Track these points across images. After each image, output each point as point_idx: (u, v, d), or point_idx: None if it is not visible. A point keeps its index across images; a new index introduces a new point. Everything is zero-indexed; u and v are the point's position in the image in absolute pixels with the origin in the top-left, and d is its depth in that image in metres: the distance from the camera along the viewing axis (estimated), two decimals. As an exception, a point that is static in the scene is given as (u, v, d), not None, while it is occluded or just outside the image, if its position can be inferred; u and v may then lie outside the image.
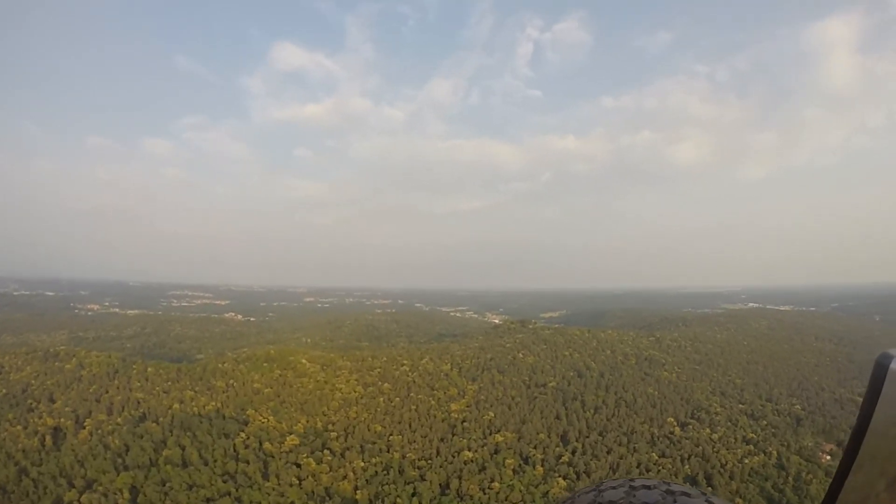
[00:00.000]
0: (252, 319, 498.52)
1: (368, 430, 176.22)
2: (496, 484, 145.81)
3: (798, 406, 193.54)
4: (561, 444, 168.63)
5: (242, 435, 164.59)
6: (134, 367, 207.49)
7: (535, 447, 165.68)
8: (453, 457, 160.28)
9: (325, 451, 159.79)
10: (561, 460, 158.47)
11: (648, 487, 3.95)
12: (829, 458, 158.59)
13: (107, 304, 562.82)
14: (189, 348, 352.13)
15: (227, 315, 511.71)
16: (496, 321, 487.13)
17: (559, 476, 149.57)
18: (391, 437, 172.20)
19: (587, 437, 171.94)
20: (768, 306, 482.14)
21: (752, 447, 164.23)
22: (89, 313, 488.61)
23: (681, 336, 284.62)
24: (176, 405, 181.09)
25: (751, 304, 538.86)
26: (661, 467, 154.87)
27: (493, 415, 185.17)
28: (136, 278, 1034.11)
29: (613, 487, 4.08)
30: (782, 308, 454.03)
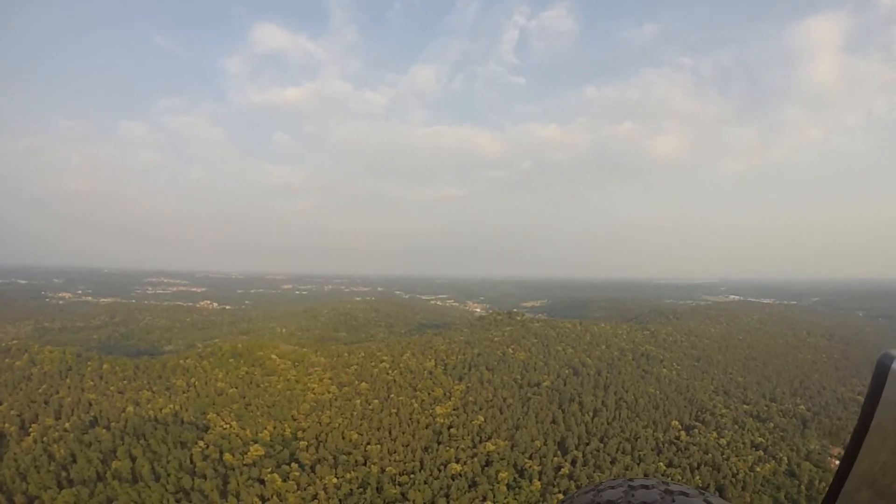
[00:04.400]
0: (227, 307, 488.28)
1: (343, 438, 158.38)
2: (489, 503, 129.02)
3: (802, 406, 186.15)
4: (559, 452, 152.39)
5: (201, 444, 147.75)
6: (89, 363, 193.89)
7: (530, 457, 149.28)
8: (439, 470, 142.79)
9: (293, 465, 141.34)
10: (560, 472, 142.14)
11: (647, 487, 4.06)
12: (837, 462, 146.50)
13: (79, 292, 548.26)
14: (158, 339, 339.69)
15: (200, 303, 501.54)
16: (478, 310, 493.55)
17: (559, 491, 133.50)
18: (368, 446, 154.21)
19: (587, 444, 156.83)
20: (750, 299, 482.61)
21: (762, 452, 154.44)
22: (60, 302, 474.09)
23: (675, 330, 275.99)
24: (130, 408, 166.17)
25: (732, 297, 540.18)
26: (670, 478, 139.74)
27: (482, 419, 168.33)
28: (111, 265, 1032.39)
29: (612, 487, 4.17)
30: (765, 301, 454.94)
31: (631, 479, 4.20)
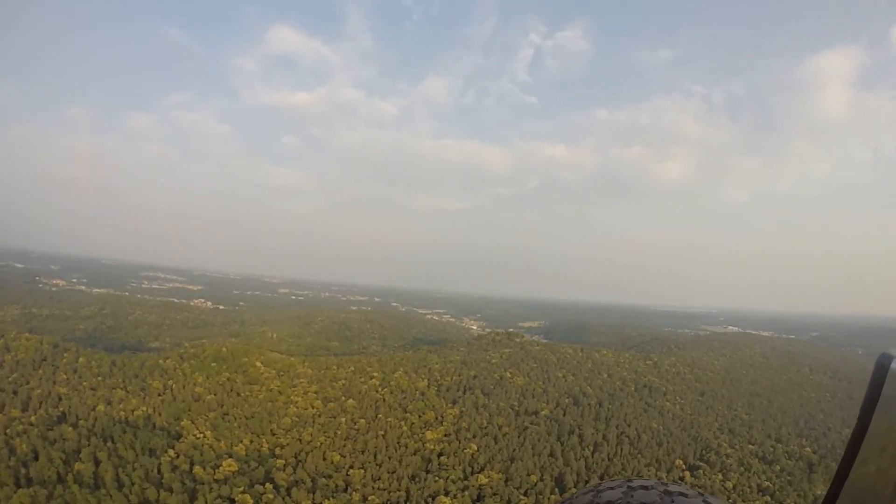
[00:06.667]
0: (221, 308, 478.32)
1: (324, 459, 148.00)
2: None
3: (808, 448, 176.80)
4: (556, 490, 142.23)
5: (171, 452, 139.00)
6: (65, 355, 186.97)
7: (525, 493, 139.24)
8: (426, 503, 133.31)
9: (267, 485, 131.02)
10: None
11: (646, 488, 4.02)
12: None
13: (74, 280, 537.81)
14: (145, 335, 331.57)
15: (194, 301, 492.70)
16: (474, 327, 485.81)
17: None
18: (351, 470, 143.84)
19: (586, 481, 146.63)
20: (749, 331, 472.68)
21: (768, 498, 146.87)
22: (53, 289, 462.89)
23: (678, 361, 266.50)
24: (101, 406, 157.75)
25: (730, 328, 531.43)
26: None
27: (476, 448, 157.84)
28: (110, 256, 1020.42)
29: (612, 488, 4.14)
30: (764, 334, 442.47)
31: (630, 480, 4.04)
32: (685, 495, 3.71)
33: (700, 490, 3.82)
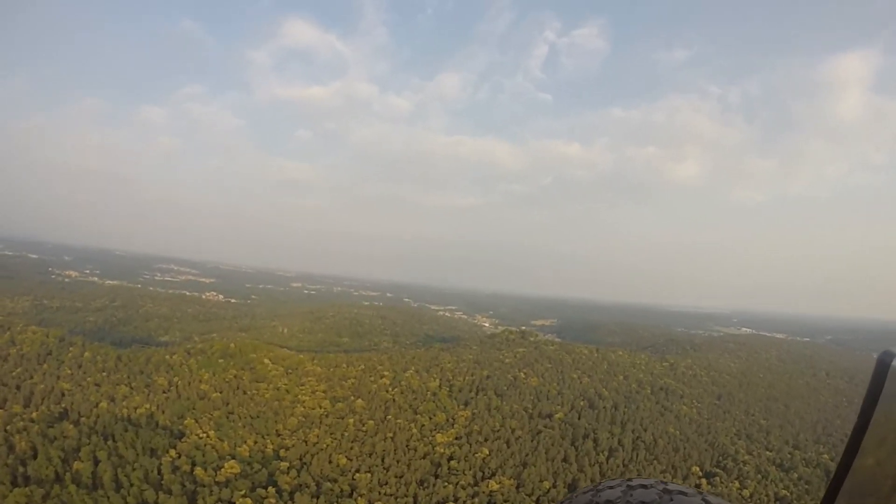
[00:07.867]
0: (232, 301, 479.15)
1: (329, 462, 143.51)
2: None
3: (826, 456, 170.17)
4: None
5: (172, 453, 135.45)
6: (70, 349, 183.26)
7: (537, 500, 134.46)
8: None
9: (270, 489, 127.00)
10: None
11: (645, 487, 4.00)
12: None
13: (86, 271, 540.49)
14: (155, 328, 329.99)
15: (206, 295, 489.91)
16: (486, 324, 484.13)
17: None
18: (357, 474, 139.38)
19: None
20: (762, 332, 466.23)
21: None
22: (66, 280, 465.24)
23: (694, 363, 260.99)
24: (104, 403, 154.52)
25: (743, 329, 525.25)
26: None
27: (487, 452, 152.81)
28: (124, 248, 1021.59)
29: (611, 487, 4.13)
30: (777, 336, 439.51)
31: (630, 479, 4.06)
32: (684, 494, 3.73)
33: (699, 490, 3.98)
